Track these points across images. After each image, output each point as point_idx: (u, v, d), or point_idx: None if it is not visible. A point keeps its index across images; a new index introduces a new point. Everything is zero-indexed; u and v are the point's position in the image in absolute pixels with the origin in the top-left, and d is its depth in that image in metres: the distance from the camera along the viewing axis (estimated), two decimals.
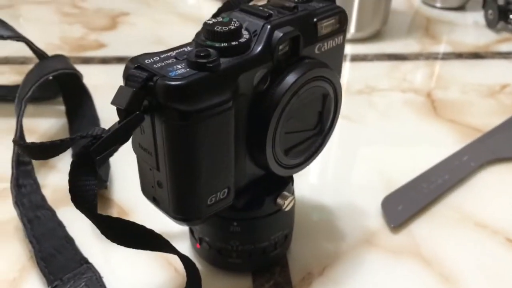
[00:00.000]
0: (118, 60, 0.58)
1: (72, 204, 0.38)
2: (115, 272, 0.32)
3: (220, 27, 0.23)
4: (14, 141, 0.22)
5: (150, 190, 0.26)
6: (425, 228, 0.36)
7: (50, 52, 0.46)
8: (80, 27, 0.66)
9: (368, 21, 0.63)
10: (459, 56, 0.62)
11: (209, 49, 0.22)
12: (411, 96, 0.53)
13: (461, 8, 0.76)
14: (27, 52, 0.47)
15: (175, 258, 0.27)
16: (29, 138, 0.39)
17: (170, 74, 0.22)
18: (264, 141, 0.26)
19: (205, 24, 0.24)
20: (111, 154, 0.26)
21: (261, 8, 0.26)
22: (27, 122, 0.39)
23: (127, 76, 0.22)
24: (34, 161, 0.38)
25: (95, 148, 0.22)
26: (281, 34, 0.25)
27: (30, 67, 0.48)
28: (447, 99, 0.52)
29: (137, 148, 0.25)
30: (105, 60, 0.58)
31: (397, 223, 0.36)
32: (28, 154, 0.22)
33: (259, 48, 0.24)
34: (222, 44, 0.23)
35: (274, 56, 0.25)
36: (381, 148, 0.45)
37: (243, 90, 0.24)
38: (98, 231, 0.35)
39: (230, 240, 0.30)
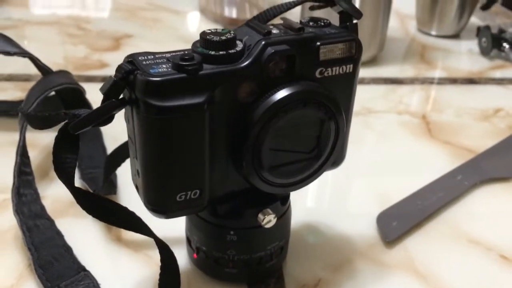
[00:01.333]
0: None
1: (71, 215, 0.38)
2: (112, 281, 0.32)
3: (213, 36, 0.25)
4: (19, 108, 0.25)
5: (134, 178, 0.28)
6: (419, 244, 0.36)
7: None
8: (83, 47, 0.68)
9: (365, 46, 0.65)
10: (453, 81, 0.63)
11: (194, 54, 0.24)
12: (407, 118, 0.54)
13: (455, 36, 0.78)
14: (30, 69, 0.48)
15: None
16: (31, 152, 0.39)
17: (151, 70, 0.23)
18: (241, 152, 0.26)
19: (202, 32, 0.25)
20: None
21: (267, 25, 0.27)
22: (29, 137, 0.40)
23: (117, 67, 0.24)
24: (35, 173, 0.39)
25: (72, 125, 0.24)
26: (273, 50, 0.25)
27: (33, 84, 0.49)
28: (442, 122, 0.53)
29: (128, 138, 0.27)
30: (107, 79, 0.59)
31: (391, 238, 0.36)
32: (28, 121, 0.27)
33: (248, 62, 0.25)
34: (210, 52, 0.24)
35: (264, 72, 0.25)
36: (377, 167, 0.46)
37: (224, 98, 0.25)
38: (96, 241, 0.36)
39: (227, 249, 0.30)
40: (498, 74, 0.66)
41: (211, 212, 0.30)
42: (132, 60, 0.24)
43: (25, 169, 0.37)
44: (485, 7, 0.78)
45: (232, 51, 0.25)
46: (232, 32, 0.25)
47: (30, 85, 0.57)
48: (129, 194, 0.40)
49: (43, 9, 0.85)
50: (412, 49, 0.74)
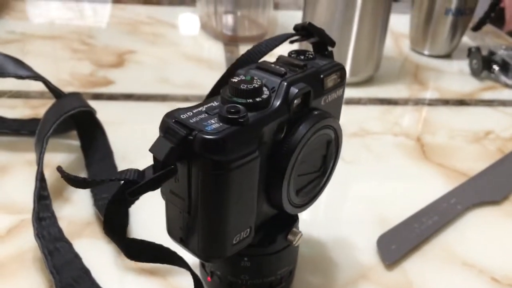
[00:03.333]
0: (125, 97, 0.61)
1: (86, 236, 0.40)
2: None
3: (245, 85, 0.26)
4: (58, 168, 0.25)
5: (177, 232, 0.28)
6: (417, 266, 0.39)
7: (61, 87, 0.49)
8: (89, 63, 0.69)
9: (362, 67, 0.68)
10: (446, 102, 0.66)
11: (238, 106, 0.25)
12: (402, 140, 0.56)
13: (447, 56, 0.81)
14: (38, 86, 0.50)
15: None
16: (44, 171, 0.41)
17: (206, 128, 0.24)
18: (281, 184, 0.29)
19: (230, 82, 0.27)
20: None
21: (275, 66, 0.29)
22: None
23: (166, 129, 0.25)
24: (51, 194, 0.41)
25: (130, 191, 0.25)
26: (297, 90, 0.28)
27: (41, 101, 0.50)
28: (436, 144, 0.56)
29: (167, 193, 0.27)
30: (113, 97, 0.61)
31: (391, 260, 0.39)
32: (72, 184, 0.25)
33: (278, 103, 0.27)
34: (248, 100, 0.26)
35: (291, 109, 0.28)
36: (374, 188, 0.48)
37: (266, 140, 0.27)
38: (112, 263, 0.38)
39: (241, 274, 0.33)
40: (488, 95, 0.69)
41: None
42: (177, 120, 0.25)
43: (44, 193, 0.39)
44: (476, 28, 0.81)
45: (264, 96, 0.27)
46: (257, 78, 0.27)
47: (38, 102, 0.59)
48: (141, 220, 0.41)
49: (41, 19, 0.86)
50: (406, 68, 0.77)
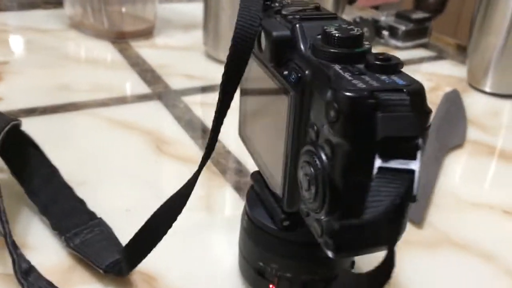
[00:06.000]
0: (27, 112, 0.49)
1: (76, 284, 0.30)
2: None
3: (354, 32, 0.22)
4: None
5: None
6: (440, 218, 0.38)
7: None
8: None
9: None
10: None
11: (384, 52, 0.22)
12: None
13: None
14: None
15: None
16: None
17: (399, 83, 0.20)
18: None
19: (336, 36, 0.22)
20: None
21: (322, 12, 0.26)
22: None
23: (378, 102, 0.19)
24: None
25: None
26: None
27: None
28: None
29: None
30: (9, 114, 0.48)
31: (419, 219, 0.37)
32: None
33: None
34: (366, 47, 0.22)
35: None
36: None
37: None
38: None
39: (318, 268, 0.28)
40: None
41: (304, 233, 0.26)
42: (372, 90, 0.20)
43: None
44: (352, 1, 0.85)
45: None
46: (341, 25, 0.23)
47: None
48: None
49: None
50: None
